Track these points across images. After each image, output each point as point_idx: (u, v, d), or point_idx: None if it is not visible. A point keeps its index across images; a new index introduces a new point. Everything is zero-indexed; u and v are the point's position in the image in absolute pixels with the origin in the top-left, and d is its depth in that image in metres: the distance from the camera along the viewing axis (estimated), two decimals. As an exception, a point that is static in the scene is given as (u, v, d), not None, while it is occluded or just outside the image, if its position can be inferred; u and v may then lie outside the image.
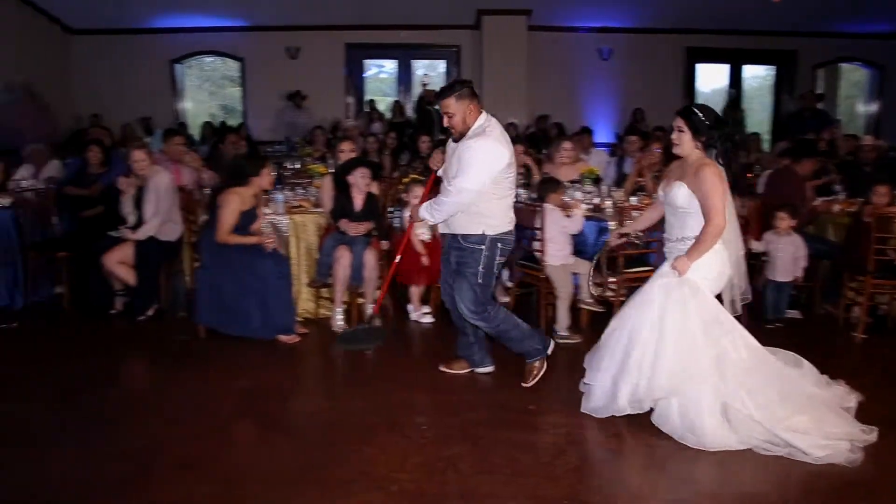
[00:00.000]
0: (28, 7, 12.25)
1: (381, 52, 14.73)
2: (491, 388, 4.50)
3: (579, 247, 5.62)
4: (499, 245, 4.25)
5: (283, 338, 5.29)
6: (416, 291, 5.86)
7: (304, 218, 5.96)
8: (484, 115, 4.19)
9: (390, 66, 15.18)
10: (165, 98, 13.98)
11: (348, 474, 3.43)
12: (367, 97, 14.23)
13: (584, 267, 5.22)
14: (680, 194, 3.80)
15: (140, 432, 3.89)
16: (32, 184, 7.41)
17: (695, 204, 3.76)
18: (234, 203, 5.21)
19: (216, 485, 3.36)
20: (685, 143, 3.83)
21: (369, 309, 5.57)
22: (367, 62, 14.87)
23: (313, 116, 12.58)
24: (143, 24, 13.38)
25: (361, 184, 5.58)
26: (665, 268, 3.90)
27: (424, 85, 13.64)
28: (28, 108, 10.31)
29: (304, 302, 5.89)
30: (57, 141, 10.23)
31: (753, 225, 5.97)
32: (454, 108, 4.12)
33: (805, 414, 3.64)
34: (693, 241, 3.76)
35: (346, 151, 5.93)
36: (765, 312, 5.80)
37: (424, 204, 4.35)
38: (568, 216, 5.44)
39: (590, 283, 4.91)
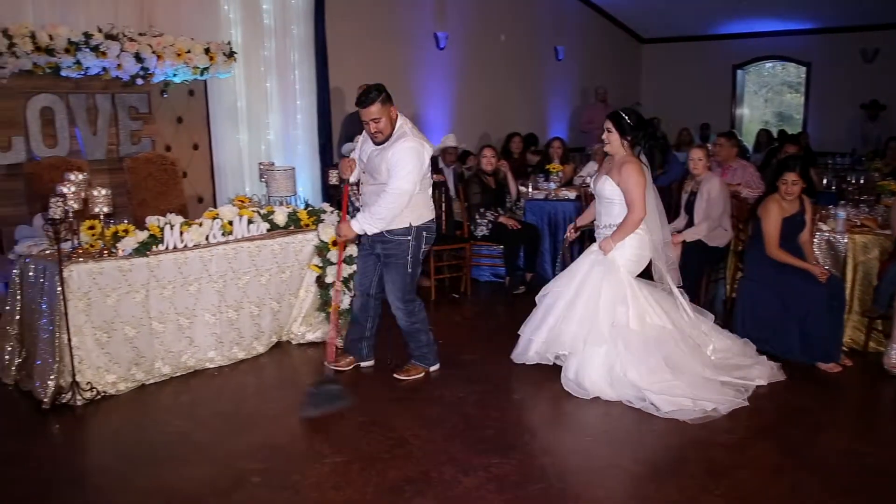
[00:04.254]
0: (609, 22, 13.58)
1: None
2: None
3: None
4: (424, 233, 4.47)
5: (822, 365, 4.91)
6: None
7: (867, 239, 5.38)
8: (401, 117, 4.40)
9: None
10: (723, 103, 14.14)
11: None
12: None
13: None
14: (606, 187, 4.51)
15: (597, 425, 4.16)
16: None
17: (618, 194, 4.46)
18: (773, 213, 5.01)
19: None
20: (614, 142, 4.47)
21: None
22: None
23: (890, 127, 11.34)
24: (709, 30, 13.71)
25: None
26: (594, 247, 4.61)
27: None
28: (599, 110, 11.44)
29: (852, 330, 5.34)
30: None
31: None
32: (379, 113, 4.25)
33: (680, 379, 4.19)
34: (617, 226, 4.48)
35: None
36: None
37: (356, 219, 4.37)
38: None
39: None
